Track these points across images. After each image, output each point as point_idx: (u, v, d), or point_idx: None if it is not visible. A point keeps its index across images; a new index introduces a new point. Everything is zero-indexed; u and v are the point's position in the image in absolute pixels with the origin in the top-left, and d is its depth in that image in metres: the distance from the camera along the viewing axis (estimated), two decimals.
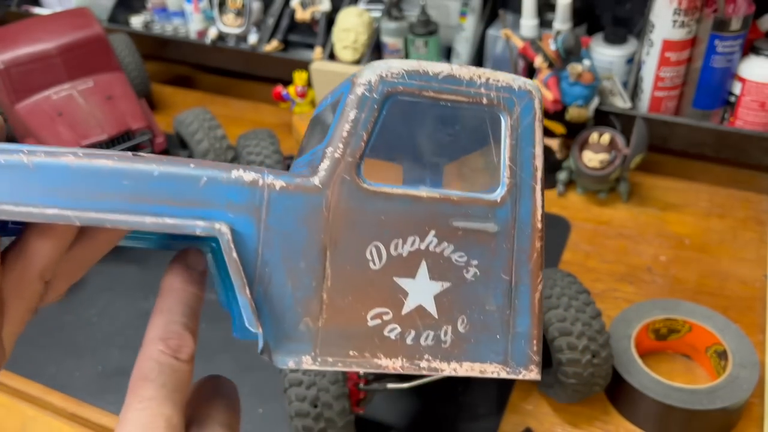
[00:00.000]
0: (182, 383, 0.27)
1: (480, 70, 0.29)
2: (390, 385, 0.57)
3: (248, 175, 0.27)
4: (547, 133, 0.90)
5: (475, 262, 0.30)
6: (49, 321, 0.75)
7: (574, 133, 0.87)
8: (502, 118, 0.30)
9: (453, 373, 0.29)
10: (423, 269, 0.29)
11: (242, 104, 1.14)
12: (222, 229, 0.27)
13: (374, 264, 0.29)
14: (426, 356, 0.29)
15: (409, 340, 0.29)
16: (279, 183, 0.28)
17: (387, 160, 0.31)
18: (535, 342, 0.30)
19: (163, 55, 1.16)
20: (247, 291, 0.27)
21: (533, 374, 0.30)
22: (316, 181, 0.28)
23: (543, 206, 0.30)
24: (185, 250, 0.29)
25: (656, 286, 0.75)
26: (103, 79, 0.91)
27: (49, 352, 0.71)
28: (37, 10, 1.24)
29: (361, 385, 0.57)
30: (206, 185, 0.27)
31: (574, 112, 0.86)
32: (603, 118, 0.89)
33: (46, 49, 0.87)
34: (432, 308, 0.29)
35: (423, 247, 0.29)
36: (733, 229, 0.83)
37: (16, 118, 0.88)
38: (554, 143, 0.90)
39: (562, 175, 0.89)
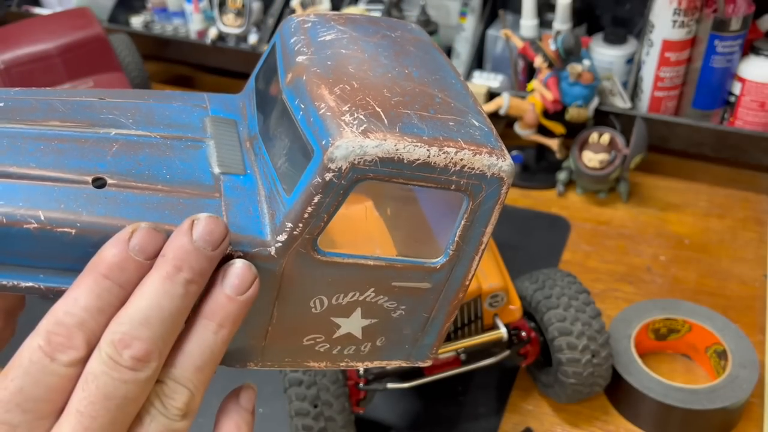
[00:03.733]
0: (49, 391, 0.24)
1: (459, 155, 0.28)
2: (390, 385, 0.57)
3: None
4: (547, 133, 0.90)
5: (403, 307, 0.33)
6: None
7: (574, 133, 0.87)
8: (464, 200, 0.30)
9: (365, 367, 0.35)
10: (357, 312, 0.33)
11: None
12: None
13: (315, 309, 0.32)
14: (346, 360, 0.34)
15: (334, 352, 0.34)
16: (237, 253, 0.29)
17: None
18: (435, 348, 0.36)
19: (163, 55, 1.16)
20: None
21: (428, 363, 0.36)
22: (272, 251, 0.29)
23: (477, 267, 0.33)
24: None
25: (656, 286, 0.75)
26: (103, 79, 0.91)
27: None
28: (37, 10, 1.24)
29: (361, 384, 0.57)
30: None
31: (573, 112, 0.86)
32: (603, 118, 0.89)
33: (46, 49, 0.87)
34: (358, 334, 0.33)
35: (361, 299, 0.32)
36: (732, 229, 0.83)
37: None
38: (554, 143, 0.90)
39: (561, 175, 0.89)
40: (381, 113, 0.28)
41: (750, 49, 0.84)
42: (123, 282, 0.26)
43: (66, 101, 0.31)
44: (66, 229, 0.27)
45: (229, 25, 1.08)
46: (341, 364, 0.35)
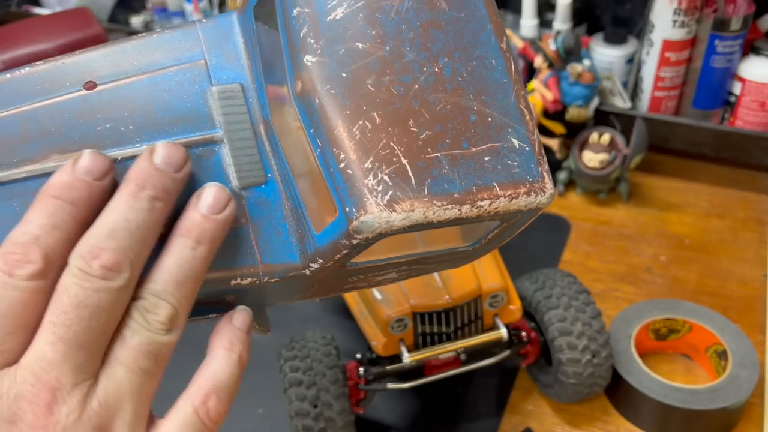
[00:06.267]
0: (12, 305, 0.25)
1: (494, 205, 0.27)
2: (390, 385, 0.57)
3: (245, 281, 0.30)
4: (548, 132, 0.90)
5: (435, 265, 0.34)
6: None
7: (574, 133, 0.87)
8: (498, 221, 0.30)
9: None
10: (392, 273, 0.33)
11: None
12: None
13: (352, 279, 0.32)
14: (383, 283, 0.35)
15: (373, 282, 0.34)
16: (274, 279, 0.30)
17: None
18: None
19: None
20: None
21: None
22: (306, 272, 0.30)
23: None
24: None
25: (656, 286, 0.75)
26: None
27: None
28: (37, 10, 1.24)
29: (361, 385, 0.57)
30: (211, 291, 0.30)
31: (574, 112, 0.86)
32: (603, 118, 0.89)
33: (46, 49, 0.87)
34: (394, 275, 0.34)
35: (395, 270, 0.32)
36: (733, 229, 0.83)
37: None
38: (554, 143, 0.90)
39: (562, 175, 0.89)
40: (407, 167, 0.26)
41: (750, 49, 0.84)
42: (74, 199, 0.26)
43: (55, 113, 0.29)
44: None
45: None
46: (380, 284, 0.36)
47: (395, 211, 0.26)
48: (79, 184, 0.26)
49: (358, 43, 0.27)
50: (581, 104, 0.86)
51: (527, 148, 0.28)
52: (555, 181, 0.90)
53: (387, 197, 0.26)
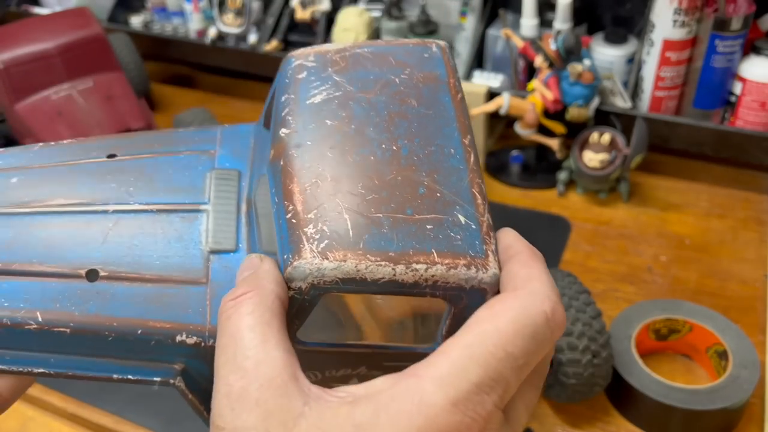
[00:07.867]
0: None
1: (431, 272, 0.26)
2: None
3: (191, 339, 0.30)
4: (548, 132, 0.90)
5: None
6: None
7: (575, 133, 0.87)
8: (446, 305, 0.28)
9: None
10: (354, 381, 0.32)
11: (242, 104, 1.14)
12: (176, 383, 0.30)
13: (311, 379, 0.31)
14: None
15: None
16: None
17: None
18: None
19: (163, 54, 1.16)
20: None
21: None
22: None
23: None
24: None
25: (656, 286, 0.75)
26: (103, 78, 0.90)
27: None
28: (37, 10, 1.23)
29: None
30: (156, 345, 0.30)
31: (574, 112, 0.86)
32: (603, 117, 0.89)
33: (46, 48, 0.87)
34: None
35: (354, 373, 0.32)
36: (733, 229, 0.83)
37: (15, 118, 0.88)
38: (555, 143, 0.90)
39: (562, 175, 0.89)
40: (347, 221, 0.27)
41: (751, 48, 0.84)
42: None
43: (75, 170, 0.33)
44: (62, 329, 0.29)
45: (229, 24, 1.07)
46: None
47: (327, 258, 0.26)
48: None
49: (327, 121, 0.30)
50: (581, 104, 0.86)
51: (473, 226, 0.28)
52: (555, 181, 0.89)
53: (322, 245, 0.26)
